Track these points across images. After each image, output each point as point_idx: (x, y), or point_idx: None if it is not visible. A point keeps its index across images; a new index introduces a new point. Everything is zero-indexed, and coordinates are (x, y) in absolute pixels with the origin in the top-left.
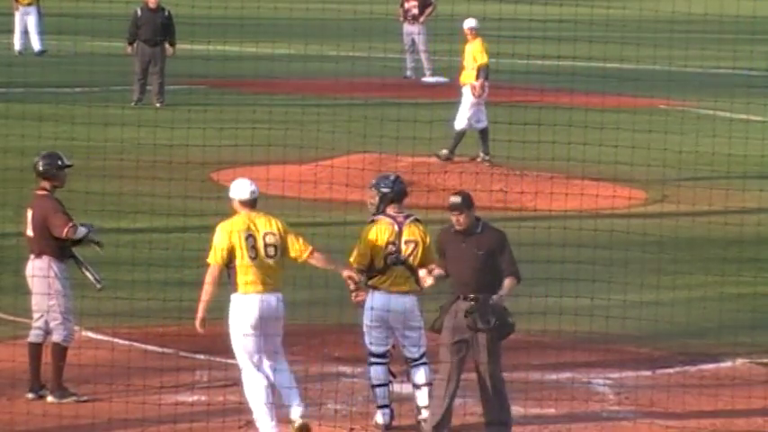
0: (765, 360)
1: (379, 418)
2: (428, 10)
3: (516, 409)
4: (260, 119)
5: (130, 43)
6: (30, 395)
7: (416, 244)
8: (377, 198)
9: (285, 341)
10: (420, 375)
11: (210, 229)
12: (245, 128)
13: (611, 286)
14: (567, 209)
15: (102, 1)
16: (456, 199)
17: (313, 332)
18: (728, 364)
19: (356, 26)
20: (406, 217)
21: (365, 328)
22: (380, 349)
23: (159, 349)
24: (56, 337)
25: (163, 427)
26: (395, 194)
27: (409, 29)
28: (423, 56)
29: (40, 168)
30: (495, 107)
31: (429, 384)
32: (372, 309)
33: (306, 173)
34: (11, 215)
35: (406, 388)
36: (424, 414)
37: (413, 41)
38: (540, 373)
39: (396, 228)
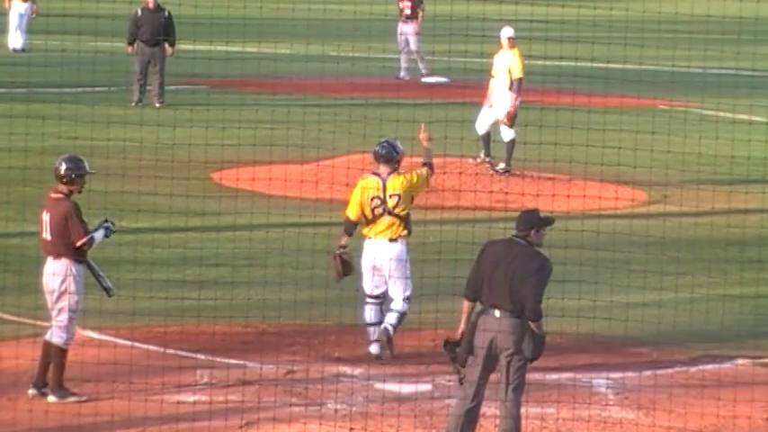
0: (767, 361)
1: (373, 348)
2: (418, 11)
3: None
4: (262, 119)
5: (130, 43)
6: (32, 391)
7: (399, 197)
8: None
9: (285, 341)
10: (397, 305)
11: (211, 229)
12: (247, 128)
13: (614, 287)
14: (568, 210)
15: (105, 0)
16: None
17: (313, 332)
18: (730, 364)
19: (356, 27)
20: (390, 173)
21: (362, 273)
22: (374, 292)
23: (161, 349)
24: (56, 339)
25: (164, 427)
26: (382, 153)
27: (403, 28)
28: (416, 56)
29: (61, 172)
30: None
31: (403, 314)
32: (367, 256)
33: (307, 172)
34: (13, 215)
35: (405, 388)
36: (387, 325)
37: (406, 41)
38: (542, 373)
39: (380, 183)
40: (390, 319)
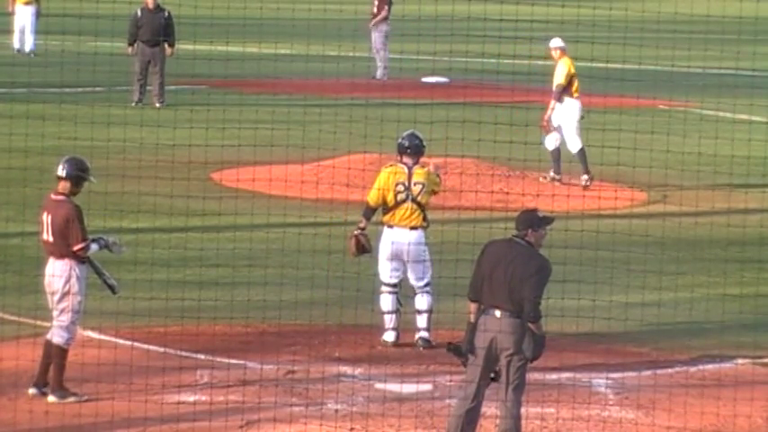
0: (767, 360)
1: (388, 336)
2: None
3: None
4: (262, 119)
5: (131, 44)
6: (32, 390)
7: (423, 185)
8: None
9: (285, 341)
10: (421, 302)
11: (212, 230)
12: (248, 128)
13: (613, 287)
14: (568, 210)
15: (105, 1)
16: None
17: (314, 332)
18: (730, 364)
19: (356, 27)
20: (415, 164)
21: (379, 261)
22: (391, 280)
23: (161, 349)
24: (57, 339)
25: (165, 427)
26: (408, 145)
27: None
28: (382, 54)
29: (63, 173)
30: (497, 108)
31: (429, 311)
32: (385, 243)
33: (307, 173)
34: (13, 215)
35: (405, 388)
36: (422, 334)
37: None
38: (542, 373)
39: (407, 171)
40: (422, 323)
